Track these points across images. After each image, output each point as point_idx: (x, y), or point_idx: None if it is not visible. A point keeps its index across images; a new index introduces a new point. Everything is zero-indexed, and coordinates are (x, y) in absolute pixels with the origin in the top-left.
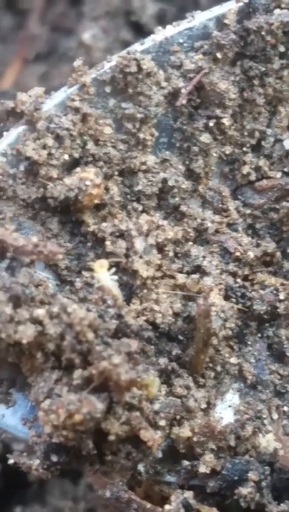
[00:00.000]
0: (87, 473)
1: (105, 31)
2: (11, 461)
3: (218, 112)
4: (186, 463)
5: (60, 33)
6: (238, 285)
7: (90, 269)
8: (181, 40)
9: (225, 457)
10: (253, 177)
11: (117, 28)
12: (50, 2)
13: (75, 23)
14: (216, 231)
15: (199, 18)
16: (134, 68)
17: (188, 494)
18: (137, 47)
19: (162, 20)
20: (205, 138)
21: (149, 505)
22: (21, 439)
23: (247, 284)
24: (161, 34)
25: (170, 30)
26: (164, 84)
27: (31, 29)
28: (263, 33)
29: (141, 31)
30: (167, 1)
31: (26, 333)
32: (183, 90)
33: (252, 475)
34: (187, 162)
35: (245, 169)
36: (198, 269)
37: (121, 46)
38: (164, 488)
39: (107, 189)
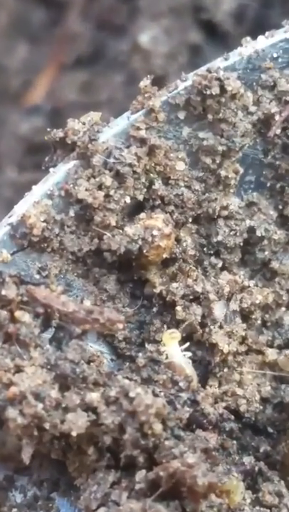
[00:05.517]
0: None
1: (168, 32)
2: None
3: None
4: None
5: (108, 33)
6: None
7: (156, 342)
8: (275, 55)
9: None
10: None
11: (184, 29)
12: None
13: (127, 20)
14: None
15: None
16: (215, 90)
17: None
18: (220, 63)
19: (241, 18)
20: None
21: None
22: None
23: None
24: (250, 47)
25: (261, 42)
26: (252, 109)
27: (70, 26)
28: None
29: (214, 33)
30: None
31: (77, 422)
32: (277, 117)
33: None
34: (280, 206)
35: None
36: None
37: (188, 52)
38: None
39: (178, 240)
